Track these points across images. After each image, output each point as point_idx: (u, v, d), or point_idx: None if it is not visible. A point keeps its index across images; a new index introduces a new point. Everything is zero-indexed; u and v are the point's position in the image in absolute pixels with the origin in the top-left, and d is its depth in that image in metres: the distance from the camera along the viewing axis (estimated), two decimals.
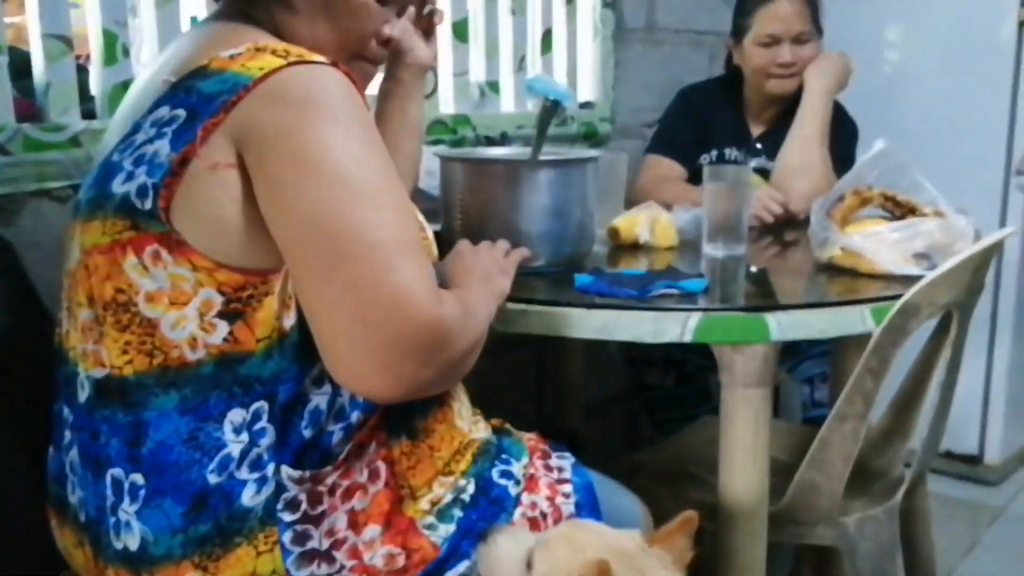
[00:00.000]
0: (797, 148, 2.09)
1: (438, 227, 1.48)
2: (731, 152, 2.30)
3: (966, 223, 1.44)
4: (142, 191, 0.98)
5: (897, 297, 1.29)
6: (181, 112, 0.99)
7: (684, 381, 2.33)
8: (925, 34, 2.72)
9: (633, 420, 2.67)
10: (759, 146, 2.28)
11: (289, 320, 1.02)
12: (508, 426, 1.33)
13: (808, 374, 2.12)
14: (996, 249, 1.41)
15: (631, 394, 2.53)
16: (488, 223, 1.46)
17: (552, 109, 1.42)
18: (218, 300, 0.99)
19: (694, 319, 1.24)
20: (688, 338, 1.24)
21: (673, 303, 1.28)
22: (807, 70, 2.17)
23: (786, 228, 1.99)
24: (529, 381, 2.44)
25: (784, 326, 1.25)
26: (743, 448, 1.34)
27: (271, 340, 1.01)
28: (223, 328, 1.00)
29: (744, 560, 1.38)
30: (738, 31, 2.26)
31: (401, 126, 1.57)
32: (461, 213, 1.50)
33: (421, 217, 1.21)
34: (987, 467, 2.80)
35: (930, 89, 2.73)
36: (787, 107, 2.23)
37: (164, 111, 1.01)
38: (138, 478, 1.01)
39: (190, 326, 0.99)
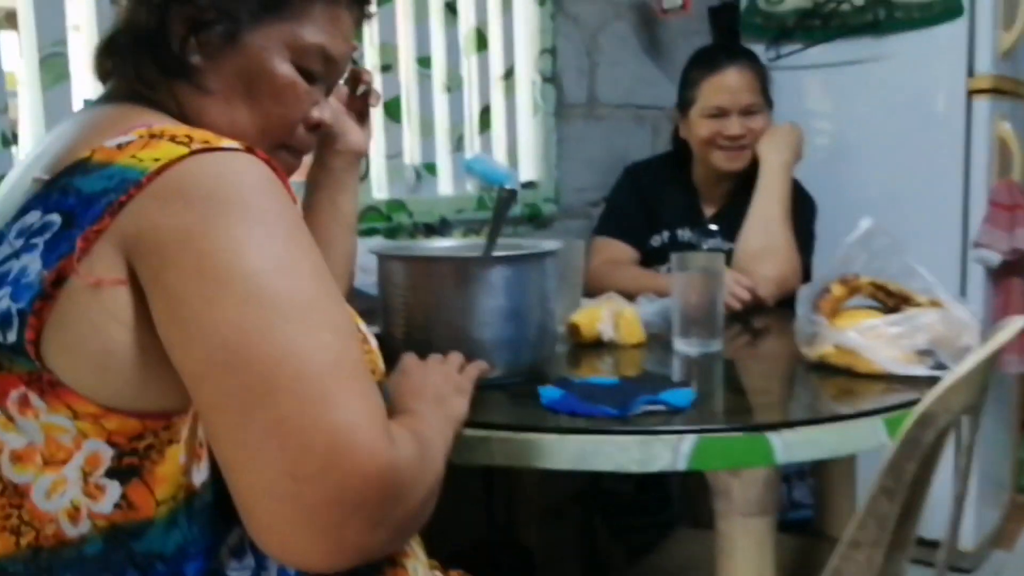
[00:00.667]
0: (760, 229, 1.95)
1: (377, 330, 1.28)
2: (684, 233, 2.16)
3: (969, 314, 1.30)
4: (5, 320, 0.77)
5: (909, 404, 1.13)
6: (55, 218, 0.78)
7: (645, 487, 2.15)
8: (873, 106, 2.64)
9: (592, 526, 2.47)
10: (712, 227, 2.15)
11: (200, 474, 0.81)
12: None
13: (788, 470, 1.96)
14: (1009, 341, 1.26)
15: (589, 496, 2.33)
16: (436, 330, 1.27)
17: (509, 199, 1.24)
18: (107, 454, 0.78)
19: (688, 442, 1.06)
20: (682, 466, 1.06)
21: (660, 423, 1.10)
22: (760, 144, 2.05)
23: (753, 315, 1.84)
24: (477, 487, 2.23)
25: (790, 445, 1.08)
26: None
27: (176, 502, 0.80)
28: (114, 491, 0.78)
29: None
30: (684, 103, 2.14)
31: (333, 220, 1.37)
32: (404, 319, 1.30)
33: (363, 327, 1.01)
34: (961, 553, 2.66)
35: (880, 162, 2.64)
36: (739, 184, 2.11)
37: (34, 217, 0.80)
38: None
39: (70, 492, 0.78)
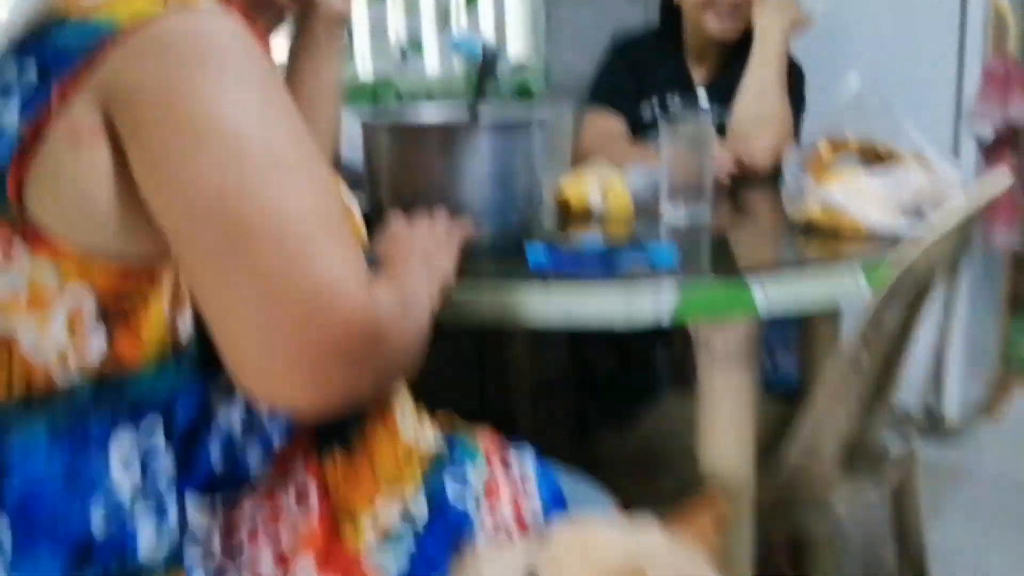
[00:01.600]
0: (755, 97, 1.93)
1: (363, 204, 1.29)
2: (674, 99, 2.13)
3: (954, 170, 1.30)
4: None
5: (892, 257, 1.14)
6: (32, 72, 0.78)
7: (628, 362, 2.18)
8: None
9: (582, 404, 2.52)
10: (703, 94, 2.12)
11: (184, 323, 0.83)
12: (457, 422, 1.16)
13: (768, 341, 1.98)
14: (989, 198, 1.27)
15: (577, 374, 2.37)
16: (423, 198, 1.27)
17: (491, 63, 1.23)
18: (91, 303, 0.79)
19: (671, 296, 1.08)
20: (666, 319, 1.08)
21: (644, 279, 1.11)
22: (756, 9, 2.00)
23: (746, 187, 1.84)
24: (470, 365, 2.28)
25: (771, 296, 1.10)
26: (725, 434, 1.19)
27: (162, 350, 0.82)
28: (100, 339, 0.80)
29: (730, 551, 1.24)
30: None
31: (316, 88, 1.36)
32: (390, 189, 1.30)
33: (347, 192, 1.02)
34: (945, 423, 2.72)
35: (875, 34, 2.60)
36: (731, 52, 2.07)
37: (10, 73, 0.80)
38: (2, 527, 0.81)
39: (57, 340, 0.79)
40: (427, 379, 1.16)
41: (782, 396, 1.82)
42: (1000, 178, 1.25)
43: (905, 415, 2.73)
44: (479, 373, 2.29)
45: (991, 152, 2.56)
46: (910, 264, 1.13)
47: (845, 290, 1.15)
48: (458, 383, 2.18)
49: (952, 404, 2.73)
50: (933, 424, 2.73)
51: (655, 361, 2.23)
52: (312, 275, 0.75)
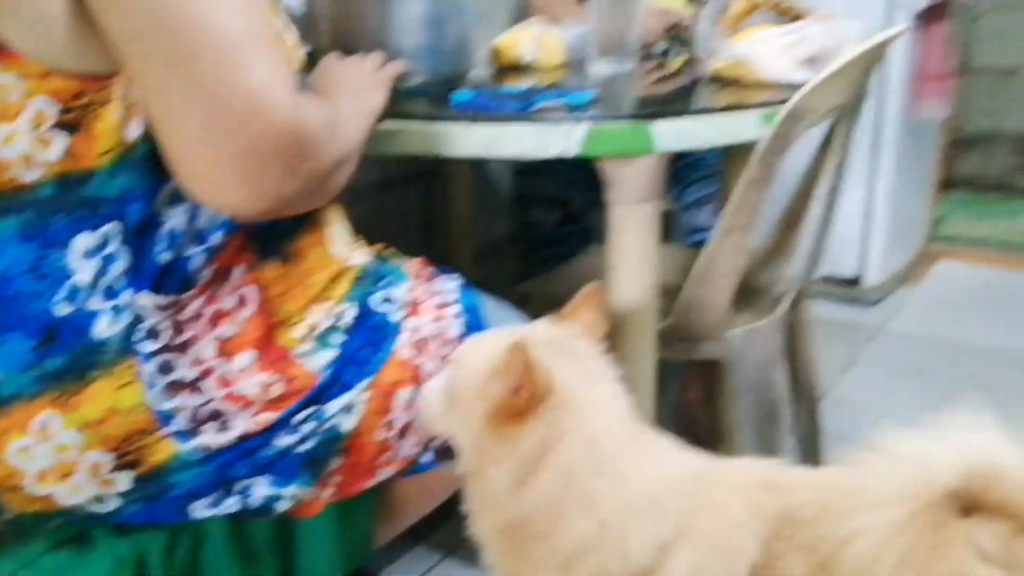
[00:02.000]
0: None
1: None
2: None
3: (853, 27, 1.41)
4: None
5: (784, 102, 1.26)
6: None
7: (568, 220, 2.29)
8: None
9: (524, 262, 2.64)
10: None
11: (134, 131, 0.93)
12: (389, 251, 1.28)
13: (691, 199, 2.10)
14: (883, 51, 1.38)
15: (521, 236, 2.48)
16: (360, 43, 1.35)
17: None
18: (52, 110, 0.89)
19: (579, 131, 1.19)
20: (573, 152, 1.19)
21: (558, 116, 1.22)
22: None
23: (677, 48, 1.92)
24: (416, 223, 2.38)
25: (670, 135, 1.21)
26: (631, 264, 1.31)
27: (115, 154, 0.92)
28: (60, 142, 0.90)
29: (634, 376, 1.38)
30: None
31: None
32: (330, 34, 1.39)
33: (281, 23, 1.11)
34: (867, 288, 2.89)
35: None
36: None
37: None
38: None
39: (22, 143, 0.89)
40: (373, 231, 1.28)
41: (697, 247, 1.95)
42: (895, 31, 1.35)
43: (829, 277, 2.90)
44: (424, 230, 2.39)
45: (924, 21, 2.65)
46: (800, 108, 1.25)
47: (741, 132, 1.27)
48: (403, 239, 2.28)
49: (874, 270, 2.89)
50: (855, 288, 2.90)
51: (594, 220, 2.34)
52: (245, 84, 0.86)
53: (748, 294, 1.62)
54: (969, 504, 0.82)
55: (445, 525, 1.73)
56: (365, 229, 1.24)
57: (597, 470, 0.90)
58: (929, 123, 2.98)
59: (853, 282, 2.90)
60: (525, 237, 2.39)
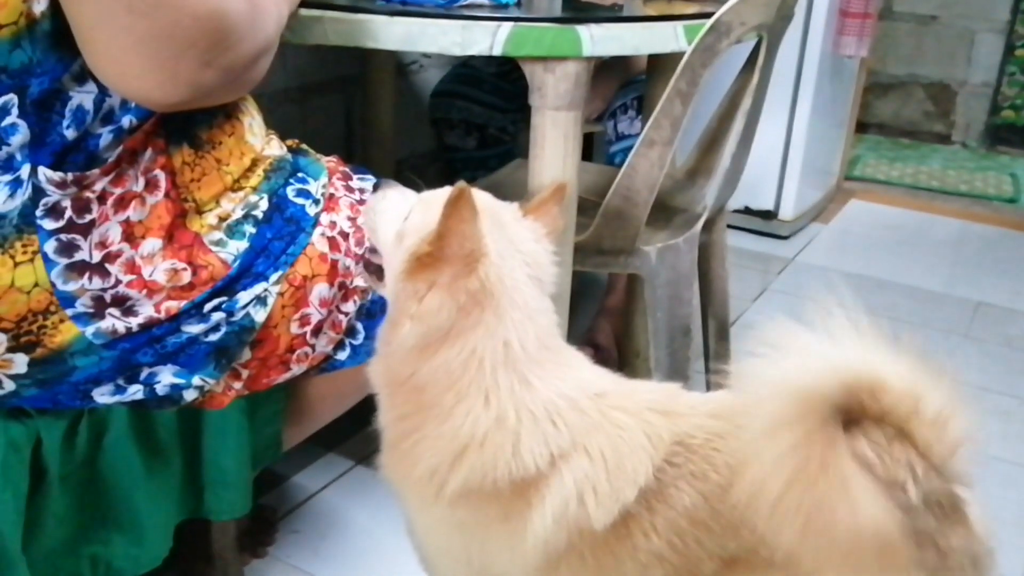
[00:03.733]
0: None
1: None
2: None
3: None
4: None
5: (710, 15, 1.26)
6: None
7: (486, 144, 2.28)
8: None
9: (446, 180, 2.62)
10: None
11: (40, 4, 0.87)
12: (306, 147, 1.25)
13: (614, 107, 2.09)
14: None
15: (441, 156, 2.46)
16: None
17: None
18: None
19: (504, 30, 1.17)
20: (498, 51, 1.17)
21: (483, 16, 1.19)
22: None
23: None
24: (336, 133, 2.33)
25: (596, 39, 1.20)
26: (552, 173, 1.31)
27: (18, 27, 0.87)
28: None
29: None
30: None
31: None
32: None
33: None
34: (781, 222, 2.95)
35: None
36: None
37: None
38: None
39: None
40: (291, 138, 1.24)
41: (616, 165, 1.96)
42: None
43: (746, 209, 2.95)
44: (344, 140, 2.35)
45: None
46: (723, 22, 1.25)
47: (664, 42, 1.27)
48: (322, 149, 2.23)
49: (789, 205, 2.95)
50: (770, 221, 2.96)
51: (513, 150, 2.33)
52: None
53: (666, 213, 1.64)
54: (851, 416, 0.84)
55: (358, 434, 1.73)
56: (283, 135, 1.21)
57: (504, 367, 0.90)
58: (849, 65, 3.03)
59: (769, 215, 2.96)
60: (444, 159, 2.37)
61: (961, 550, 0.88)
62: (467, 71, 2.23)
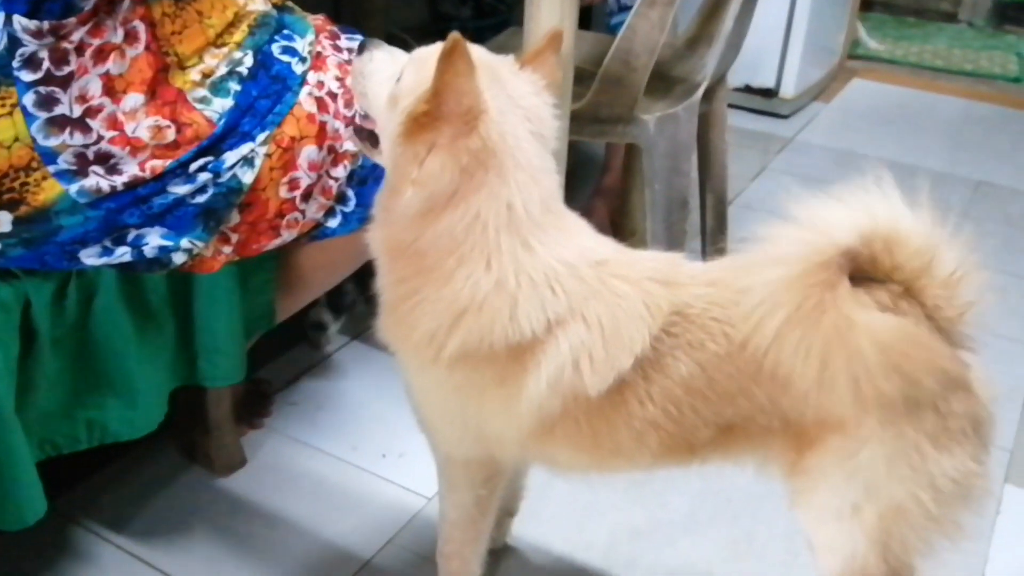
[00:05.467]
0: None
1: None
2: None
3: None
4: None
5: None
6: None
7: (482, 13, 2.21)
8: None
9: None
10: None
11: None
12: (291, 4, 1.20)
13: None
14: None
15: (435, 28, 2.39)
16: None
17: None
18: None
19: None
20: None
21: None
22: None
23: None
24: (326, 4, 2.26)
25: None
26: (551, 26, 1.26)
27: None
28: None
29: None
30: None
31: None
32: None
33: None
34: (781, 100, 2.90)
35: None
36: None
37: None
38: None
39: None
40: None
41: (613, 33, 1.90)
42: None
43: (747, 87, 2.89)
44: (333, 10, 2.28)
45: None
46: None
47: None
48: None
49: (791, 83, 2.88)
50: (771, 99, 2.90)
51: (509, 19, 2.26)
52: None
53: (666, 83, 1.60)
54: (863, 266, 0.84)
55: (354, 308, 1.72)
56: None
57: (507, 230, 0.88)
58: None
59: (770, 93, 2.90)
60: (438, 30, 2.30)
61: (963, 414, 0.89)
62: None
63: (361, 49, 0.95)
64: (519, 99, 0.90)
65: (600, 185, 2.12)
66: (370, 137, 0.98)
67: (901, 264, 0.84)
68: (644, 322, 0.90)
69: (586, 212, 2.04)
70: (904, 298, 0.85)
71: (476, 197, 0.86)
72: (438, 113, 0.84)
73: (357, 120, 1.06)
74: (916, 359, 0.82)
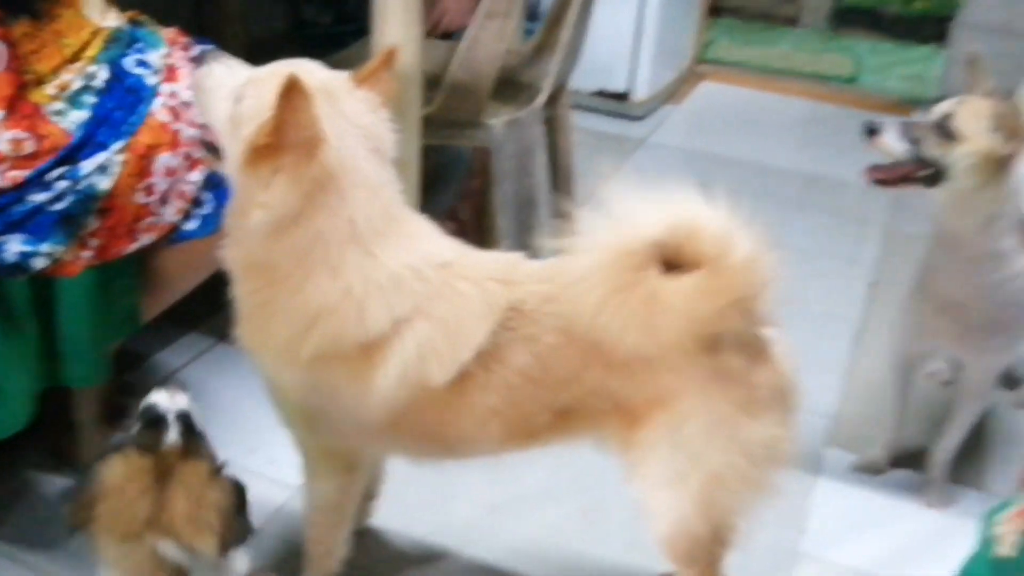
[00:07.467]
0: None
1: None
2: None
3: None
4: None
5: None
6: None
7: (343, 20, 2.26)
8: None
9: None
10: None
11: None
12: (145, 18, 1.25)
13: None
14: None
15: (296, 35, 2.42)
16: None
17: None
18: None
19: None
20: None
21: None
22: None
23: None
24: (183, 15, 2.27)
25: None
26: (396, 37, 1.34)
27: None
28: None
29: (400, 160, 1.43)
30: None
31: None
32: None
33: None
34: (634, 103, 3.05)
35: None
36: None
37: None
38: None
39: None
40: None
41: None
42: None
43: (600, 92, 3.03)
44: (193, 23, 2.29)
45: None
46: None
47: None
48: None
49: (642, 87, 3.04)
50: (623, 102, 3.05)
51: (369, 25, 2.32)
52: None
53: (514, 89, 1.70)
54: (671, 255, 0.94)
55: (219, 313, 1.76)
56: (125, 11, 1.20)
57: (349, 243, 0.95)
58: None
59: (622, 97, 3.05)
60: (300, 36, 2.34)
61: (767, 384, 1.00)
62: None
63: (200, 62, 1.00)
64: (355, 119, 0.96)
65: (468, 186, 2.21)
66: (215, 148, 1.01)
67: (703, 252, 0.93)
68: (484, 318, 0.98)
69: (452, 213, 2.16)
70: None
71: (319, 216, 0.93)
72: (280, 144, 0.89)
73: (204, 133, 1.08)
74: (715, 301, 0.93)
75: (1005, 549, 0.91)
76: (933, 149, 1.23)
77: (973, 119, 1.21)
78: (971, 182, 1.21)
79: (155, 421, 0.93)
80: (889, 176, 1.29)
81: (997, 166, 1.20)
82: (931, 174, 1.24)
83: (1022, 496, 0.96)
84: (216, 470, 0.92)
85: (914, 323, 1.43)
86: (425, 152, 1.32)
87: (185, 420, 0.94)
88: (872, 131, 1.28)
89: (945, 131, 1.22)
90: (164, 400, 0.95)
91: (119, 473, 0.89)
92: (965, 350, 1.41)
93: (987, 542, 0.94)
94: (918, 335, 1.44)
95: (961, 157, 1.21)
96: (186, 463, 0.91)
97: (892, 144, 1.26)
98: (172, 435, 0.92)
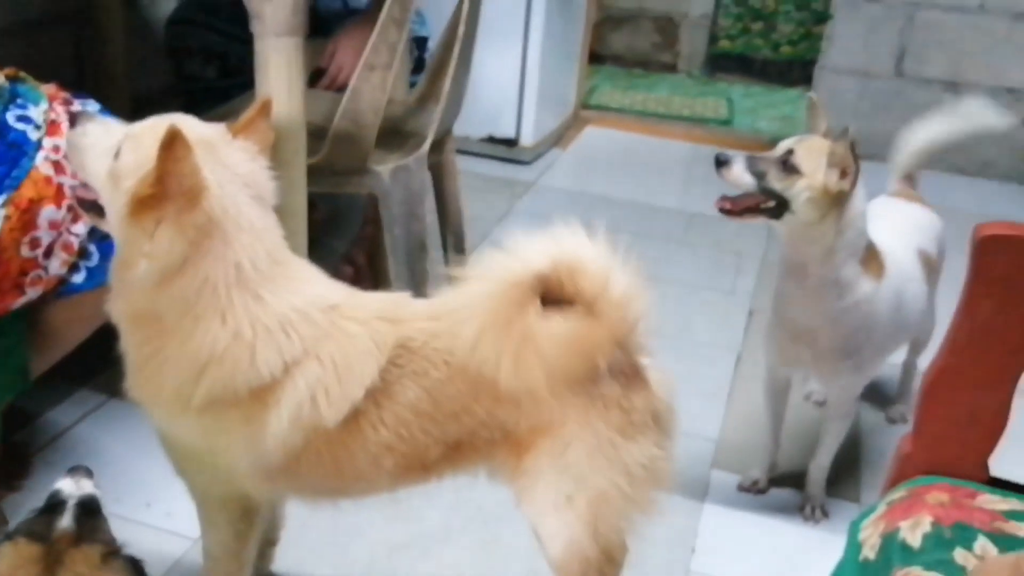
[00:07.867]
0: None
1: None
2: None
3: None
4: None
5: None
6: None
7: (228, 74, 2.27)
8: None
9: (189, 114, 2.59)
10: None
11: None
12: (24, 75, 1.26)
13: None
14: None
15: (181, 89, 2.42)
16: None
17: None
18: None
19: None
20: None
21: None
22: None
23: None
24: (67, 73, 2.26)
25: None
26: (278, 99, 1.37)
27: None
28: None
29: (286, 209, 1.46)
30: None
31: None
32: None
33: None
34: (522, 148, 3.14)
35: None
36: None
37: None
38: None
39: None
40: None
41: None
42: None
43: (489, 138, 3.12)
44: (76, 79, 2.28)
45: None
46: None
47: None
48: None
49: (529, 133, 3.13)
50: (512, 148, 3.14)
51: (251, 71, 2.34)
52: None
53: (400, 137, 1.75)
54: (552, 290, 0.99)
55: (110, 369, 1.75)
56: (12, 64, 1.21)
57: (237, 287, 0.96)
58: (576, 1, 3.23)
59: (511, 142, 3.14)
60: (184, 90, 2.34)
61: (643, 408, 1.05)
62: None
63: (73, 122, 1.01)
64: (235, 167, 0.98)
65: (362, 233, 2.24)
66: (94, 207, 1.02)
67: (582, 288, 0.98)
68: (373, 357, 1.00)
69: (349, 258, 2.18)
70: (586, 317, 0.99)
71: (204, 263, 0.95)
72: (162, 195, 0.91)
73: (78, 191, 1.07)
74: (583, 344, 0.98)
75: (868, 552, 0.99)
76: (776, 183, 1.32)
77: (811, 156, 1.31)
78: (811, 214, 1.31)
79: (52, 508, 0.92)
80: (735, 207, 1.38)
81: (834, 200, 1.30)
82: (775, 206, 1.34)
83: (882, 503, 1.04)
84: (110, 553, 0.91)
85: (776, 349, 1.52)
86: (321, 199, 1.36)
87: (86, 505, 0.93)
88: (722, 163, 1.37)
89: (787, 166, 1.32)
90: (68, 486, 0.94)
91: (7, 563, 0.88)
92: (820, 373, 1.51)
93: (853, 548, 1.02)
94: (781, 360, 1.53)
95: (800, 191, 1.31)
96: (78, 549, 0.89)
97: (740, 176, 1.35)
98: (65, 521, 0.90)
